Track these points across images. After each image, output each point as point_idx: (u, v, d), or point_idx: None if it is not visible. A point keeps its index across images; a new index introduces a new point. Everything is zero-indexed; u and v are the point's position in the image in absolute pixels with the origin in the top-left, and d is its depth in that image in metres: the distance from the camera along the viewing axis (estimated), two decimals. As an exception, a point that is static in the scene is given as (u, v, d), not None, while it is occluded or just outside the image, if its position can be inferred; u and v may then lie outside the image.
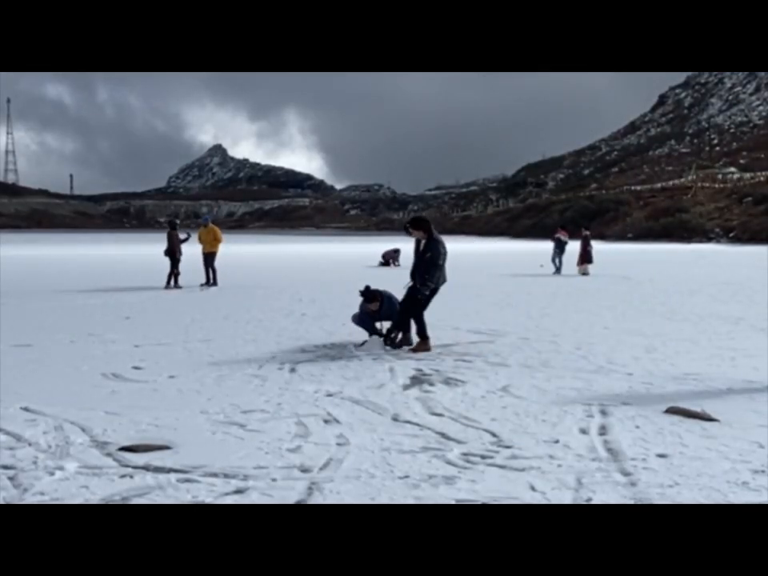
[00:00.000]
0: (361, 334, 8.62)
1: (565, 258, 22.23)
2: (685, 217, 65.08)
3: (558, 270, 22.07)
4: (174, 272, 16.80)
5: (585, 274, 21.21)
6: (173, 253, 16.87)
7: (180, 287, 16.45)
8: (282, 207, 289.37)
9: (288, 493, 3.77)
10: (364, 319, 8.54)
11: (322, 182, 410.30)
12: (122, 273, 22.21)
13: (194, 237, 17.74)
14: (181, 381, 6.54)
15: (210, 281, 16.99)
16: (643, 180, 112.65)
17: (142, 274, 21.25)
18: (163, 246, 17.59)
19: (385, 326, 8.48)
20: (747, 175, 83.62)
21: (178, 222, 18.73)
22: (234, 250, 43.91)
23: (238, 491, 3.81)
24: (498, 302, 13.52)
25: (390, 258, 26.59)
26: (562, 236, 22.60)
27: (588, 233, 22.67)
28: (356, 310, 8.89)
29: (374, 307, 8.44)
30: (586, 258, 21.66)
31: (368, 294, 8.46)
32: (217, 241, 17.52)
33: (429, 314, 11.25)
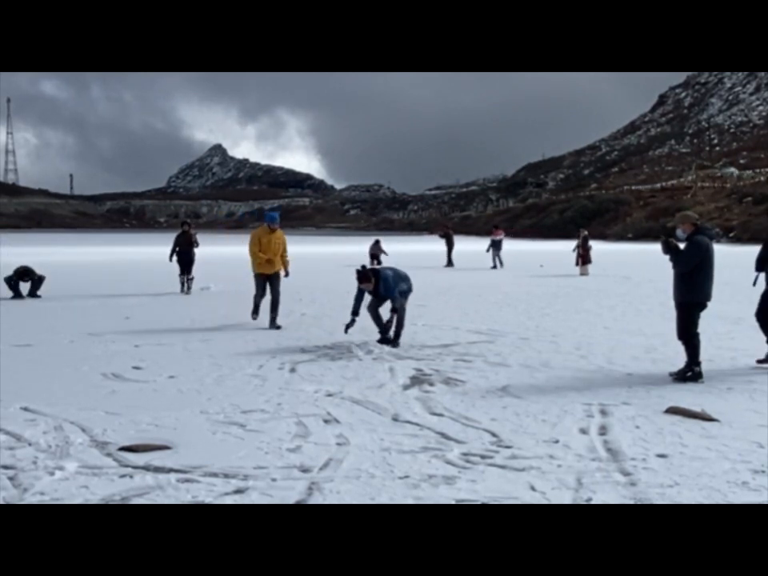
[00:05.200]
0: (363, 333, 8.63)
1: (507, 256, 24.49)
2: (685, 217, 64.80)
3: (495, 266, 24.13)
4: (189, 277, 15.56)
5: (584, 274, 21.20)
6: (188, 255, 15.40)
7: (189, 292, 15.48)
8: (282, 207, 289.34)
9: (288, 493, 3.77)
10: (355, 301, 8.57)
11: (321, 181, 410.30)
12: (122, 273, 22.21)
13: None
14: (181, 381, 6.54)
15: (275, 320, 10.15)
16: (643, 180, 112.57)
17: (143, 274, 21.25)
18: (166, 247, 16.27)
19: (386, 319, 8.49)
20: (747, 173, 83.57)
21: (189, 221, 16.96)
22: (234, 250, 43.86)
23: (238, 491, 3.81)
24: (498, 301, 13.52)
25: (377, 253, 26.98)
26: (496, 236, 24.92)
27: (586, 233, 22.70)
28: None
29: (365, 287, 8.45)
30: (585, 258, 21.68)
31: (360, 273, 8.51)
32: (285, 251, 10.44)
33: (431, 314, 11.28)
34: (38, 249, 40.22)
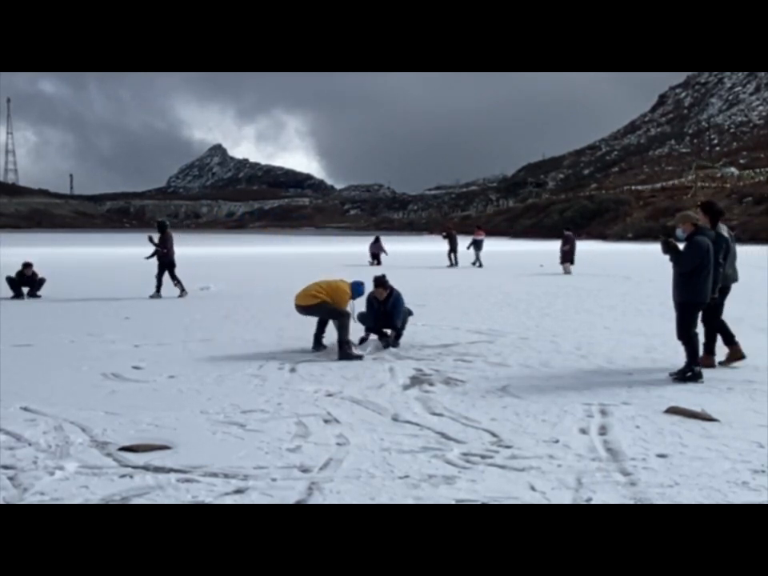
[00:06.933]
0: (362, 332, 8.62)
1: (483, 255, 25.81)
2: (685, 217, 64.73)
3: (475, 263, 25.35)
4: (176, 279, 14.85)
5: (564, 272, 21.16)
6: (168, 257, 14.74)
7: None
8: (281, 207, 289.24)
9: (288, 493, 3.77)
10: (365, 315, 8.53)
11: (321, 181, 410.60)
12: (123, 273, 22.20)
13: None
14: (181, 381, 6.54)
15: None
16: (643, 180, 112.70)
17: (143, 274, 21.23)
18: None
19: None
20: (747, 173, 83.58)
21: (166, 221, 15.92)
22: (235, 250, 43.88)
23: (238, 491, 3.81)
24: (497, 302, 13.52)
25: (377, 252, 27.07)
26: (478, 236, 26.17)
27: (569, 233, 22.73)
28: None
29: (379, 295, 8.40)
30: (564, 257, 21.75)
31: (379, 279, 8.46)
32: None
33: (431, 314, 11.27)
34: (38, 249, 40.20)
